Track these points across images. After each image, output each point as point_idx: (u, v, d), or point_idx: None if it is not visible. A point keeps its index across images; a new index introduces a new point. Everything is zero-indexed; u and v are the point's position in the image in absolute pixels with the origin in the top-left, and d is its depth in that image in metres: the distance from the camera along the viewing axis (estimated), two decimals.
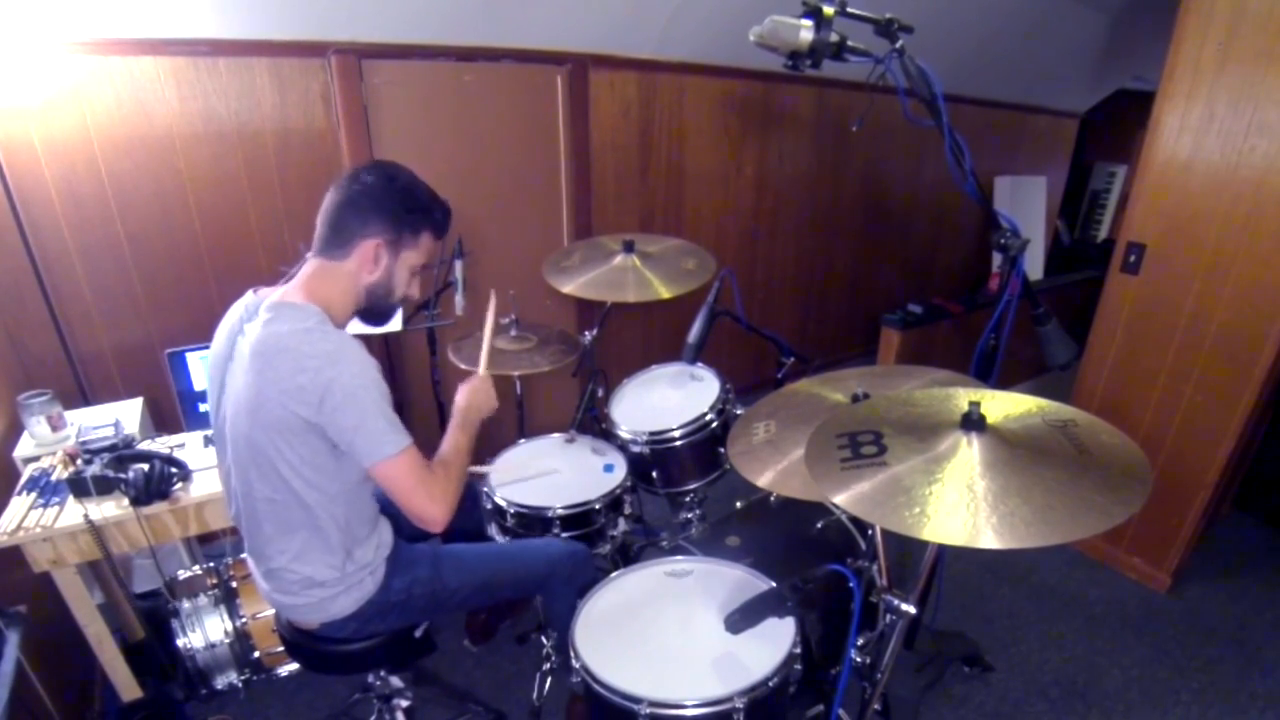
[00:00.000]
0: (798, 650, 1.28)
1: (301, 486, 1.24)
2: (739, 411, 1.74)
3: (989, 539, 0.87)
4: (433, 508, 1.27)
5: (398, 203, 1.29)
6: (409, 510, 1.27)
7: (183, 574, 2.00)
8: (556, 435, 2.10)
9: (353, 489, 1.31)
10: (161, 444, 1.95)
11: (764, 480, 1.33)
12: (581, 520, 1.78)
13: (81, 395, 2.24)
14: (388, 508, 1.46)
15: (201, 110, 2.20)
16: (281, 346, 1.19)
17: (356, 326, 1.41)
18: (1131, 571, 2.54)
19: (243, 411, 1.22)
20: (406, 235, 1.31)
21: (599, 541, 1.82)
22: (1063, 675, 2.11)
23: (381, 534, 1.44)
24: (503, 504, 1.78)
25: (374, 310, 1.37)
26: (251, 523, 1.32)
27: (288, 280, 1.32)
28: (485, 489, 1.82)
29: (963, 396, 1.10)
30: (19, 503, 1.66)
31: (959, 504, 0.91)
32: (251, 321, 1.26)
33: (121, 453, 1.73)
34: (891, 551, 1.31)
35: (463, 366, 2.08)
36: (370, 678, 1.72)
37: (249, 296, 1.33)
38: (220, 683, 1.94)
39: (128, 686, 1.84)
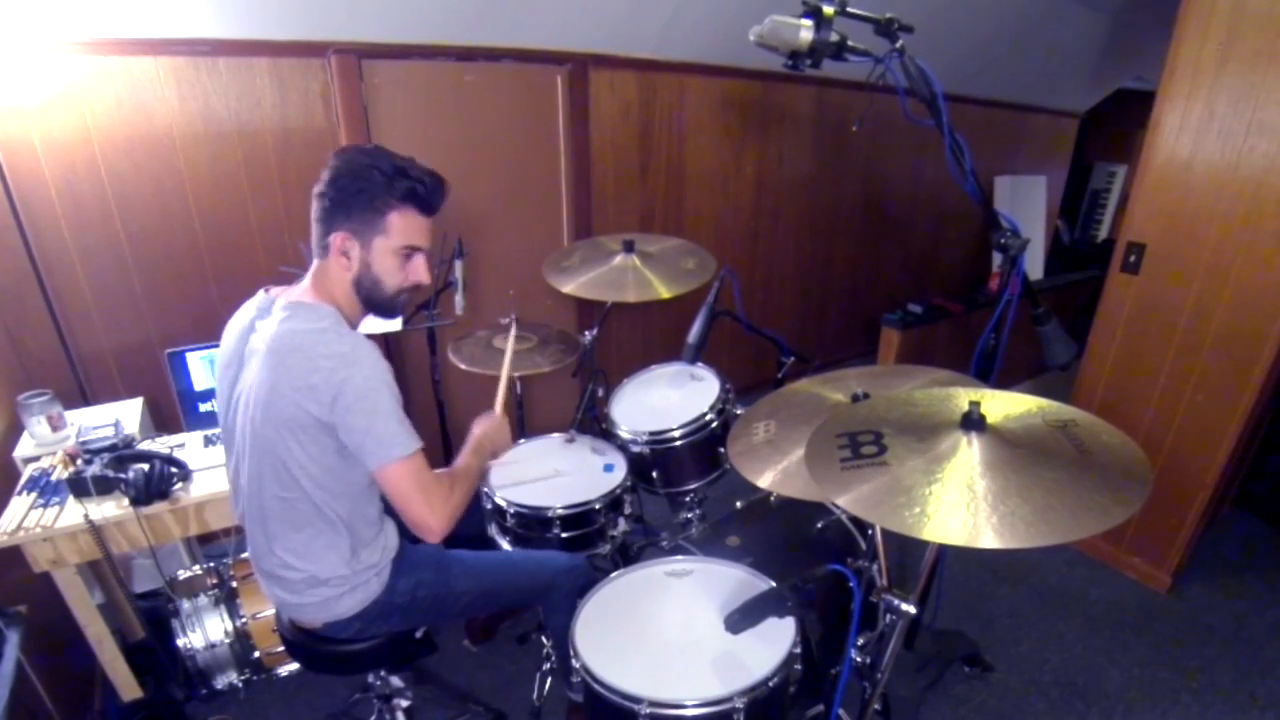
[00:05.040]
0: (798, 650, 1.28)
1: (310, 485, 1.25)
2: (739, 411, 1.74)
3: (989, 539, 0.87)
4: (431, 518, 1.27)
5: (350, 188, 1.21)
6: (407, 517, 1.27)
7: (183, 574, 2.00)
8: (556, 435, 2.09)
9: (358, 490, 1.31)
10: (161, 444, 1.95)
11: (764, 480, 1.32)
12: (581, 520, 1.77)
13: (81, 395, 2.24)
14: (392, 509, 1.45)
15: (201, 110, 2.20)
16: (296, 345, 1.19)
17: (370, 323, 1.40)
18: (1131, 571, 2.54)
19: (255, 407, 1.22)
20: (371, 218, 1.23)
21: (599, 541, 1.82)
22: (1063, 675, 2.11)
23: (387, 536, 1.44)
24: (503, 504, 1.77)
25: (373, 305, 1.33)
26: (259, 520, 1.32)
27: (298, 280, 1.32)
28: (485, 489, 1.82)
29: (963, 396, 1.09)
30: (19, 503, 1.66)
31: (959, 504, 0.91)
32: (265, 319, 1.26)
33: (121, 453, 1.73)
34: (892, 552, 1.30)
35: (463, 367, 2.09)
36: (370, 677, 1.72)
37: (260, 295, 1.32)
38: (220, 683, 1.94)
39: (128, 686, 1.84)
